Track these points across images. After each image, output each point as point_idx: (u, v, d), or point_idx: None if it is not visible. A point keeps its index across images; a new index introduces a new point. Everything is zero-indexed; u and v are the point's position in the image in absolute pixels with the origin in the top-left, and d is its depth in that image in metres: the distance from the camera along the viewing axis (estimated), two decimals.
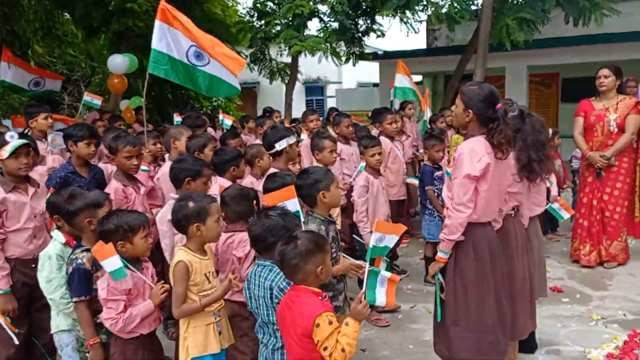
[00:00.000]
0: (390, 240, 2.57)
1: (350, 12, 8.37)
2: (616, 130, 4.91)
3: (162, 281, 2.65)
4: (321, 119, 6.35)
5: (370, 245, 2.51)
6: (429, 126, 6.77)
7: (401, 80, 7.23)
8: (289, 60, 10.67)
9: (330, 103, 17.14)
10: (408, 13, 8.50)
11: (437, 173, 4.84)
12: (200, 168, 3.20)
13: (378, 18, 9.62)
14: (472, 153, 2.62)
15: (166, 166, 3.82)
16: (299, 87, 12.51)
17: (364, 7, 9.35)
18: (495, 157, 2.65)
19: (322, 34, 7.92)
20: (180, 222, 2.57)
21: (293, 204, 2.71)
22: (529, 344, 3.49)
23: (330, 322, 2.04)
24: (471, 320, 2.74)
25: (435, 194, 4.76)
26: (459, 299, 2.76)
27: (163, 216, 3.12)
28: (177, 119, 6.29)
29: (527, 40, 7.98)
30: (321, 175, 2.91)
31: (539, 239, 3.56)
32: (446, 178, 2.85)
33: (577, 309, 4.22)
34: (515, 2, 8.75)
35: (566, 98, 12.54)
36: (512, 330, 2.97)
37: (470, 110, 2.70)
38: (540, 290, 3.45)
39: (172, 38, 4.24)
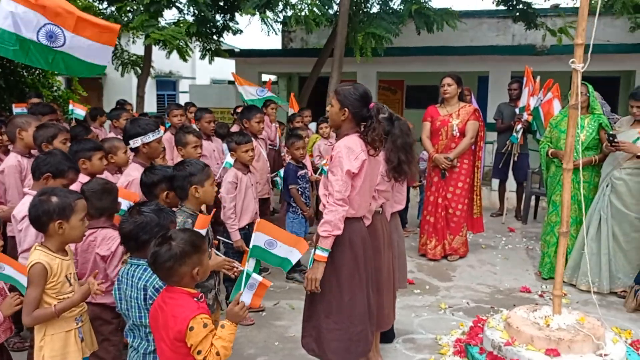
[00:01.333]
0: (291, 254, 2.57)
1: (211, 5, 8.17)
2: (458, 134, 5.39)
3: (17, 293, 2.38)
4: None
5: (251, 245, 2.48)
6: (290, 125, 6.88)
7: (246, 91, 7.31)
8: (140, 51, 10.15)
9: (183, 99, 16.63)
10: (269, 13, 8.55)
11: (301, 172, 4.92)
12: (65, 169, 2.92)
13: (236, 15, 9.54)
14: (349, 151, 2.72)
15: (11, 159, 3.42)
16: (149, 81, 11.95)
17: (221, 4, 9.19)
18: (368, 154, 2.77)
19: (181, 25, 7.59)
20: (40, 219, 2.31)
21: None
22: (387, 334, 3.70)
23: (205, 325, 1.97)
24: (343, 312, 2.83)
25: (299, 192, 4.84)
26: (333, 292, 2.84)
27: (19, 212, 2.78)
28: (17, 109, 5.63)
29: (377, 50, 8.43)
30: (197, 169, 2.83)
31: (399, 234, 3.79)
32: (322, 177, 2.91)
33: (427, 299, 4.56)
34: (367, 15, 9.24)
35: (410, 104, 13.55)
36: (378, 321, 3.12)
37: (346, 109, 2.81)
38: (400, 282, 3.69)
39: (20, 15, 3.79)
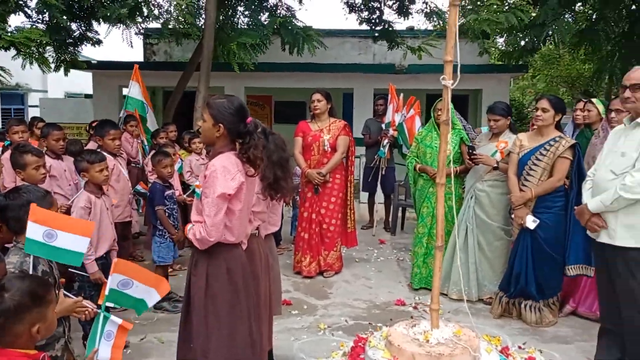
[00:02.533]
0: (148, 295, 2.24)
1: (65, 11, 7.41)
2: (330, 149, 5.37)
3: None
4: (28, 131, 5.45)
5: (107, 289, 2.14)
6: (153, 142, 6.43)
7: (135, 89, 6.69)
8: None
9: (33, 113, 15.17)
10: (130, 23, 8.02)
11: (168, 192, 4.57)
12: None
13: (95, 24, 8.84)
14: (225, 170, 2.49)
15: None
16: None
17: (77, 12, 8.42)
18: (247, 174, 2.56)
19: (31, 33, 6.75)
20: None
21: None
22: None
23: None
24: (222, 349, 2.57)
25: (167, 213, 4.48)
26: (211, 327, 2.57)
27: None
28: None
29: (252, 63, 8.28)
30: (37, 196, 2.42)
31: (274, 256, 3.61)
32: (195, 200, 2.64)
33: (306, 319, 4.42)
34: (234, 29, 9.07)
35: (278, 119, 13.54)
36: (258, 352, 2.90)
37: (220, 125, 2.57)
38: (275, 307, 3.49)
39: None
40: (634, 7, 9.62)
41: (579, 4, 9.51)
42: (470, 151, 4.69)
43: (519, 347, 3.87)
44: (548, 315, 4.27)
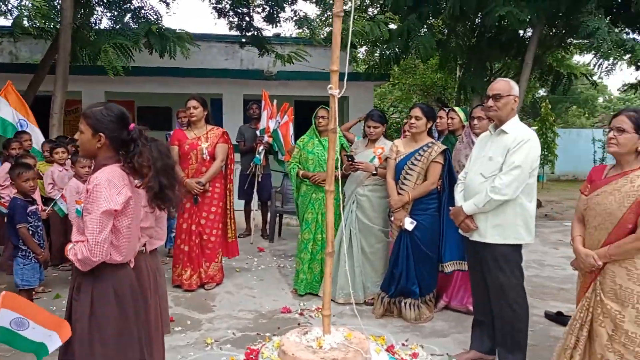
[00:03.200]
0: (49, 339, 1.99)
1: None
2: (208, 157, 5.23)
3: None
4: None
5: None
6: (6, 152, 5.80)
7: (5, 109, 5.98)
8: None
9: None
10: None
11: (31, 208, 4.14)
12: None
13: None
14: (110, 184, 2.29)
15: None
16: None
17: None
18: (135, 186, 2.39)
19: None
20: None
21: None
22: None
23: None
24: None
25: (30, 232, 4.06)
26: (96, 357, 2.35)
27: None
28: None
29: (123, 67, 7.77)
30: None
31: (160, 272, 3.41)
32: (76, 218, 2.39)
33: (191, 335, 4.24)
34: (96, 32, 8.52)
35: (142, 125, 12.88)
36: None
37: (101, 135, 2.37)
38: (165, 326, 3.30)
39: None
40: (477, 20, 10.57)
41: (433, 19, 10.23)
42: (349, 159, 4.82)
43: (403, 345, 4.05)
44: (425, 311, 4.53)
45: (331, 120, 3.25)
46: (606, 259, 2.77)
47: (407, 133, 5.15)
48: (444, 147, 4.44)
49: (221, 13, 10.17)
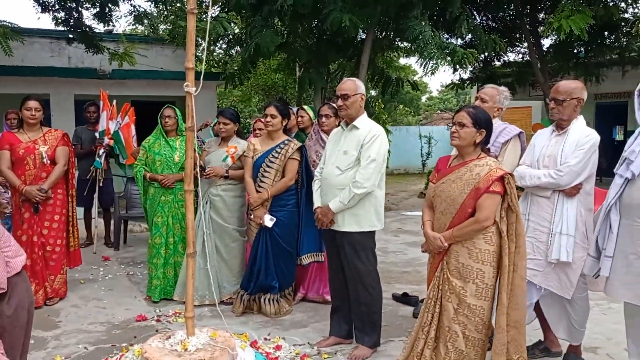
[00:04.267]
0: None
1: None
2: (49, 162, 4.81)
3: None
4: None
5: None
6: None
7: None
8: None
9: None
10: None
11: None
12: None
13: None
14: None
15: None
16: None
17: None
18: None
19: None
20: None
21: None
22: None
23: None
24: None
25: None
26: None
27: None
28: None
29: None
30: None
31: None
32: None
33: (36, 355, 3.84)
34: None
35: None
36: None
37: None
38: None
39: None
40: (317, 22, 11.01)
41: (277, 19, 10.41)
42: (201, 170, 4.74)
43: (265, 339, 4.12)
44: (285, 305, 4.64)
45: (188, 118, 3.19)
46: (451, 241, 3.09)
47: (257, 132, 5.23)
48: (300, 144, 4.59)
49: (45, 7, 9.33)
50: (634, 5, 10.72)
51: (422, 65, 8.91)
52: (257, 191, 4.52)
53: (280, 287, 4.61)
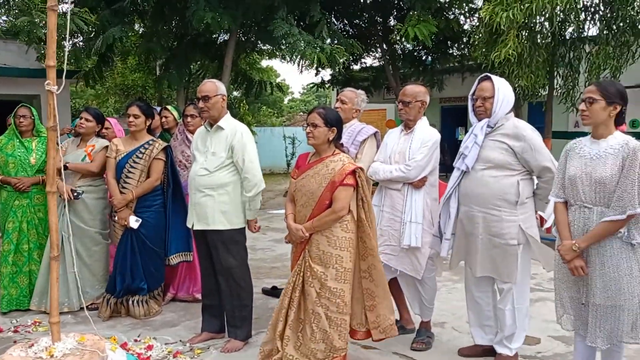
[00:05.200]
0: None
1: None
2: None
3: None
4: None
5: None
6: None
7: None
8: None
9: None
10: None
11: None
12: None
13: None
14: None
15: None
16: None
17: None
18: None
19: None
20: None
21: None
22: None
23: None
24: None
25: None
26: None
27: None
28: None
29: None
30: None
31: None
32: None
33: None
34: None
35: None
36: None
37: None
38: None
39: None
40: (178, 21, 10.86)
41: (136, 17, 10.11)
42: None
43: (135, 340, 4.09)
44: (154, 305, 4.61)
45: (50, 117, 3.10)
46: (311, 231, 3.33)
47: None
48: (166, 144, 4.58)
49: None
50: (471, 19, 11.98)
51: (294, 63, 9.20)
52: (121, 192, 4.44)
53: (149, 288, 4.57)
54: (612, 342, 2.84)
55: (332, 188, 3.29)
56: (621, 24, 8.33)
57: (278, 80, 30.04)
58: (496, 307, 3.60)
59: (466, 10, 11.57)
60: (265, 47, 13.37)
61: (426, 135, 3.78)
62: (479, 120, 3.47)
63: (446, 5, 11.08)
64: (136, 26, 11.77)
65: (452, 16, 11.26)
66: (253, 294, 4.01)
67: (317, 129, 3.35)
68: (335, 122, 3.38)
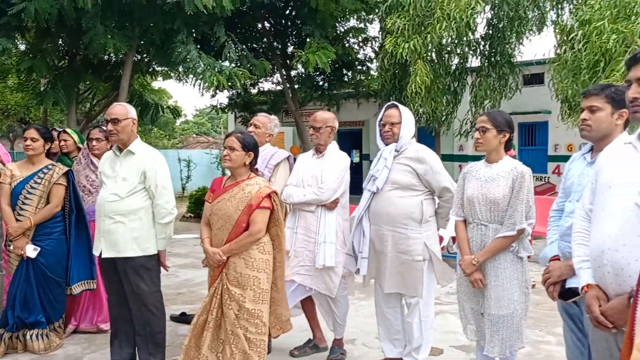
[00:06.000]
0: None
1: None
2: None
3: None
4: None
5: None
6: None
7: None
8: None
9: None
10: None
11: None
12: None
13: None
14: None
15: None
16: None
17: None
18: None
19: None
20: None
21: None
22: None
23: None
24: None
25: None
26: None
27: None
28: None
29: None
30: None
31: None
32: None
33: None
34: None
35: None
36: None
37: None
38: None
39: None
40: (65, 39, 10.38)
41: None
42: None
43: None
44: (55, 339, 4.34)
45: None
46: (229, 254, 3.36)
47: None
48: (67, 168, 4.38)
49: None
50: (364, 49, 12.61)
51: (194, 85, 9.12)
52: (17, 220, 4.18)
53: (49, 321, 4.31)
54: (505, 352, 3.13)
55: (249, 211, 3.35)
56: (499, 59, 9.20)
57: (171, 102, 29.42)
58: (404, 321, 3.82)
59: (360, 40, 12.17)
60: (159, 68, 13.12)
61: (337, 158, 3.97)
62: (386, 144, 3.70)
63: (342, 34, 11.58)
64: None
65: (347, 45, 11.79)
66: (166, 321, 3.93)
67: (234, 152, 3.40)
68: (252, 147, 3.45)
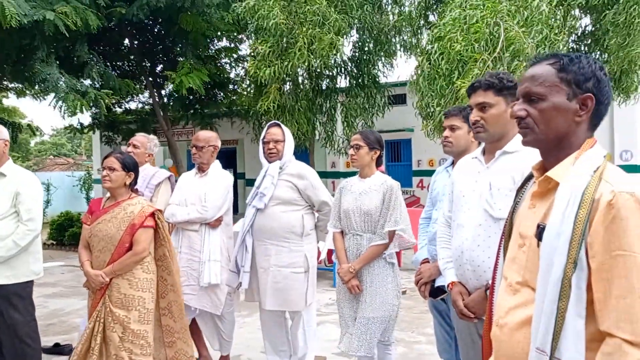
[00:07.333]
0: None
1: None
2: None
3: None
4: None
5: None
6: None
7: None
8: None
9: None
10: None
11: None
12: None
13: None
14: None
15: None
16: None
17: None
18: None
19: None
20: None
21: None
22: None
23: None
24: None
25: None
26: None
27: None
28: None
29: None
30: None
31: None
32: None
33: None
34: None
35: None
36: None
37: None
38: None
39: None
40: None
41: None
42: None
43: None
44: None
45: None
46: (112, 275, 3.29)
47: None
48: None
49: None
50: (235, 69, 12.74)
51: (56, 108, 8.58)
52: None
53: None
54: (361, 349, 3.30)
55: (132, 231, 3.32)
56: (366, 80, 9.81)
57: (26, 121, 27.26)
58: (289, 332, 3.97)
59: (233, 60, 12.27)
60: (12, 85, 12.17)
61: (220, 177, 4.05)
62: (270, 162, 3.86)
63: (215, 53, 11.61)
64: None
65: (219, 64, 11.83)
66: (41, 353, 3.72)
67: (114, 172, 3.36)
68: (133, 167, 3.43)
